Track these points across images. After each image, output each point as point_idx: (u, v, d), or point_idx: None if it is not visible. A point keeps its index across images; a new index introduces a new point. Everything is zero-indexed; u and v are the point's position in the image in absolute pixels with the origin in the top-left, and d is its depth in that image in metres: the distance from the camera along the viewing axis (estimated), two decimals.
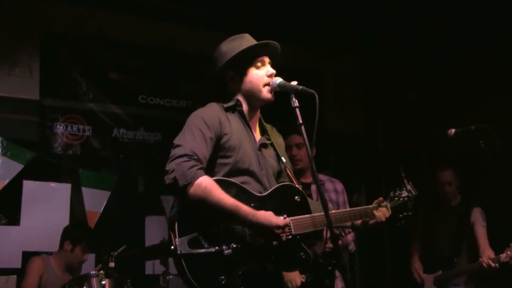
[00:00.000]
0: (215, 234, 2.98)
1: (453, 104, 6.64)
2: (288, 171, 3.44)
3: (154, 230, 6.26)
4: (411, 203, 3.67)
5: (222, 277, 2.93)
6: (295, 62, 7.02)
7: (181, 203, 3.01)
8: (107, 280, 4.84)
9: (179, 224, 2.95)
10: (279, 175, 3.45)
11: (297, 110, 3.07)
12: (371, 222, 3.51)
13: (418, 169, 6.91)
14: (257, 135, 3.41)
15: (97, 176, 6.31)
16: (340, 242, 4.76)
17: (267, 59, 3.36)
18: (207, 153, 3.08)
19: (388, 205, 3.59)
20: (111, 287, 4.87)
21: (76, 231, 5.48)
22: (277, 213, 3.09)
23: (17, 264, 5.63)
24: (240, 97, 3.34)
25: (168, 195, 5.96)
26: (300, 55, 7.24)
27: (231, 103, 3.32)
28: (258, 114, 3.45)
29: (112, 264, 4.90)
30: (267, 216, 3.00)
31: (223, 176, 3.12)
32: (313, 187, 4.91)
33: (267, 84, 3.29)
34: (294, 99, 3.10)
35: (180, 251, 2.89)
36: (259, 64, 3.33)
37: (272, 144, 3.45)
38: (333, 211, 3.39)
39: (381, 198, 3.59)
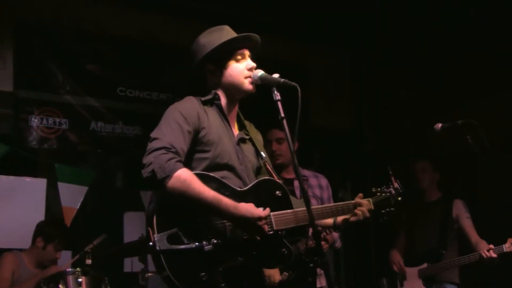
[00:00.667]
0: (195, 229, 2.98)
1: (442, 100, 6.70)
2: (268, 167, 3.46)
3: (133, 227, 6.25)
4: (394, 199, 3.70)
5: (203, 273, 2.93)
6: (280, 55, 7.03)
7: (160, 198, 3.00)
8: (83, 277, 4.84)
9: (157, 220, 2.94)
10: (258, 171, 3.47)
11: (279, 103, 3.09)
12: (352, 219, 3.52)
13: (405, 166, 6.96)
14: (235, 130, 3.42)
15: (74, 171, 6.30)
16: (327, 238, 4.80)
17: (247, 52, 3.37)
18: (185, 146, 3.09)
19: (371, 201, 3.62)
20: (88, 285, 4.87)
21: (50, 228, 5.46)
22: (258, 207, 3.10)
23: None
24: (219, 91, 3.35)
25: (147, 190, 5.96)
26: (285, 48, 7.25)
27: (208, 97, 3.33)
28: (237, 108, 3.46)
29: (89, 261, 4.89)
30: (248, 208, 3.02)
31: (202, 171, 3.12)
32: (296, 183, 4.93)
33: (248, 77, 3.30)
34: (276, 92, 3.11)
35: (159, 247, 2.88)
36: (239, 57, 3.34)
37: (250, 139, 3.47)
38: (314, 206, 3.40)
39: (361, 194, 3.60)
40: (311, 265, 4.55)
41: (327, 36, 7.35)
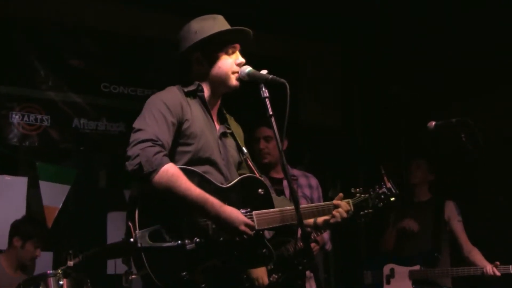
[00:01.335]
0: (177, 226, 2.97)
1: (437, 99, 6.73)
2: (249, 162, 3.46)
3: (116, 227, 6.22)
4: (372, 201, 3.71)
5: (184, 273, 2.92)
6: (270, 50, 7.02)
7: (142, 193, 2.98)
8: (65, 280, 4.80)
9: (139, 215, 2.92)
10: (239, 166, 3.47)
11: (267, 100, 3.09)
12: (331, 220, 3.53)
13: (397, 165, 6.98)
14: (217, 124, 3.41)
15: (56, 169, 6.27)
16: (318, 239, 4.80)
17: (238, 47, 3.37)
18: (169, 139, 3.08)
19: (351, 202, 3.63)
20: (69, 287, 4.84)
21: (26, 225, 5.41)
22: (241, 206, 3.13)
23: None
24: (203, 82, 3.34)
25: (131, 187, 5.94)
26: (276, 44, 7.24)
27: (192, 88, 3.31)
28: (219, 102, 3.45)
29: (70, 263, 4.87)
30: (234, 211, 3.03)
31: (183, 165, 3.11)
32: (285, 182, 4.93)
33: (236, 72, 3.30)
34: (264, 89, 3.11)
35: (141, 244, 2.86)
36: (230, 50, 3.33)
37: (232, 134, 3.47)
38: (286, 208, 3.38)
39: (341, 194, 3.60)
40: (300, 267, 4.56)
41: (319, 31, 7.35)
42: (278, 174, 5.06)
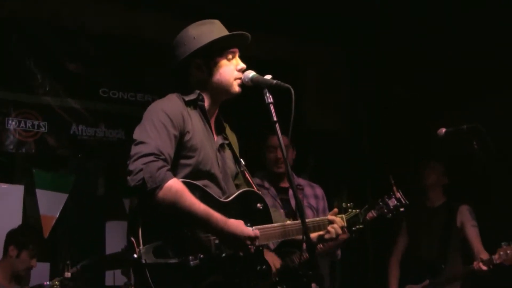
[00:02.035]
0: (181, 242, 2.98)
1: (444, 102, 6.70)
2: (247, 175, 3.47)
3: (115, 237, 6.23)
4: (362, 216, 3.76)
5: None
6: (273, 53, 7.03)
7: (144, 206, 2.97)
8: None
9: (143, 231, 2.92)
10: (236, 177, 3.48)
11: (271, 106, 3.07)
12: (326, 236, 3.58)
13: (405, 171, 6.95)
14: (215, 135, 3.41)
15: (53, 177, 6.27)
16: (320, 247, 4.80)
17: (237, 51, 3.36)
18: (172, 152, 3.06)
19: (344, 217, 3.68)
20: None
21: (22, 234, 5.42)
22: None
23: None
24: (203, 90, 3.33)
25: (130, 197, 5.92)
26: (279, 47, 7.24)
27: (192, 97, 3.30)
28: (217, 110, 3.44)
29: (68, 274, 4.86)
30: (239, 226, 3.04)
31: (183, 178, 3.11)
32: (291, 192, 4.92)
33: (238, 79, 3.29)
34: (268, 95, 3.10)
35: (145, 260, 2.87)
36: (230, 56, 3.33)
37: (229, 144, 3.47)
38: (289, 222, 3.43)
39: (335, 210, 3.65)
40: (305, 279, 4.54)
41: (322, 34, 7.35)
42: (285, 183, 5.05)
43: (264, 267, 3.23)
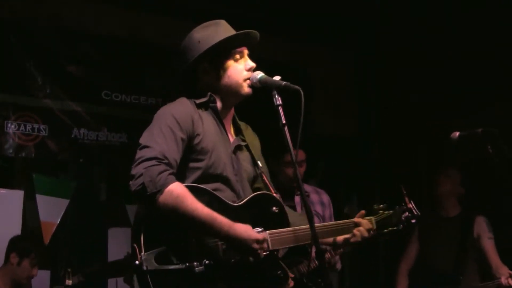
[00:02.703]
0: (185, 248, 2.97)
1: (457, 105, 6.69)
2: (265, 178, 3.43)
3: (117, 244, 6.20)
4: (396, 218, 3.67)
5: None
6: (281, 56, 7.04)
7: (148, 212, 2.98)
8: None
9: (145, 236, 2.92)
10: (254, 180, 3.45)
11: (280, 108, 3.06)
12: (352, 240, 3.52)
13: (417, 178, 6.93)
14: (231, 136, 3.40)
15: (53, 182, 6.27)
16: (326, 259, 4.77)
17: (246, 51, 3.35)
18: (178, 156, 3.06)
19: (373, 219, 3.61)
20: None
21: (24, 242, 5.44)
22: (253, 225, 3.09)
23: None
24: (214, 93, 3.31)
25: (134, 204, 5.93)
26: (287, 49, 7.25)
27: (203, 99, 3.29)
28: (233, 111, 3.44)
29: (69, 282, 4.86)
30: (245, 229, 3.01)
31: (193, 181, 3.10)
32: (297, 198, 4.92)
33: (247, 79, 3.28)
34: (276, 97, 3.09)
35: (147, 267, 2.86)
36: (237, 56, 3.31)
37: (247, 146, 3.45)
38: (303, 226, 3.36)
39: (363, 212, 3.59)
40: None
41: (331, 35, 7.35)
42: None
43: (279, 272, 3.20)
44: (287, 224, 3.28)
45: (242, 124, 3.51)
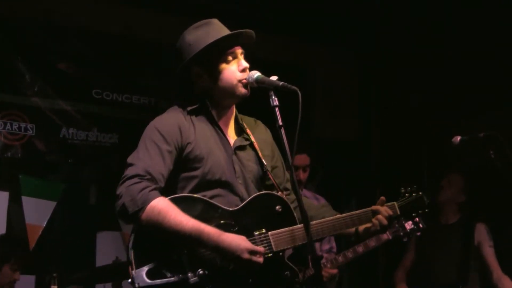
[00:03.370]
0: (178, 260, 2.99)
1: (458, 106, 6.71)
2: (270, 176, 3.42)
3: (106, 248, 6.21)
4: (428, 199, 3.62)
5: None
6: (280, 55, 7.05)
7: (136, 229, 3.03)
8: None
9: (135, 254, 2.97)
10: (263, 178, 3.44)
11: (277, 109, 3.05)
12: (372, 229, 3.46)
13: (418, 183, 6.91)
14: (232, 137, 3.38)
15: (40, 183, 6.24)
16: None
17: (239, 50, 3.33)
18: (164, 169, 3.09)
19: (396, 204, 3.56)
20: None
21: (2, 247, 5.38)
22: (255, 227, 3.11)
23: None
24: (210, 95, 3.31)
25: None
26: (286, 48, 7.25)
27: (195, 106, 3.30)
28: (233, 112, 3.43)
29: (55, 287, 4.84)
30: (234, 239, 3.01)
31: (190, 191, 3.13)
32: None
33: (242, 80, 3.27)
34: (273, 97, 3.09)
35: (138, 284, 2.91)
36: (230, 58, 3.30)
37: (251, 145, 3.42)
38: (327, 218, 3.36)
39: (383, 198, 3.52)
40: None
41: (332, 35, 7.36)
42: None
43: (287, 273, 3.21)
44: (294, 222, 3.26)
45: (250, 121, 3.52)
